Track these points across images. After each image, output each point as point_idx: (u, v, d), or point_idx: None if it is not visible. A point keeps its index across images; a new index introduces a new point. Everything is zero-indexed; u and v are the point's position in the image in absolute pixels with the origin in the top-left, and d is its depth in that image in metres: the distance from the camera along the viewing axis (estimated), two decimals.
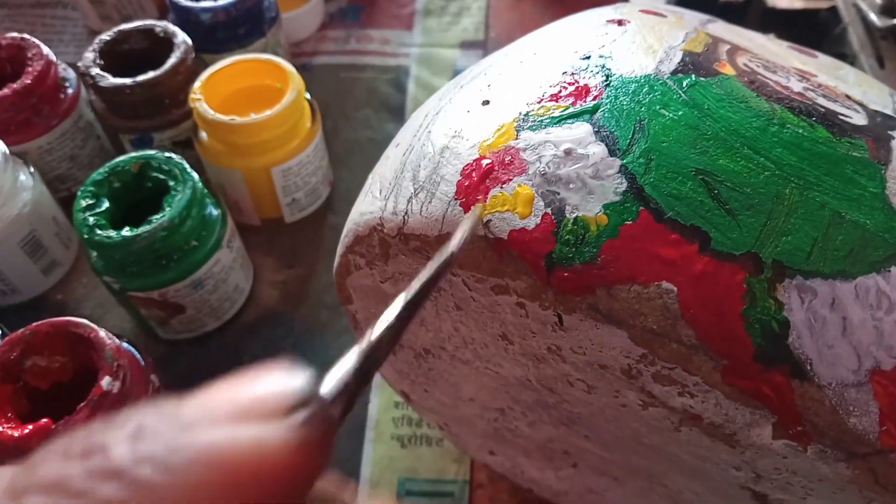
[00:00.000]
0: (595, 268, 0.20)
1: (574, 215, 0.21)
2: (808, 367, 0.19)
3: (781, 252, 0.20)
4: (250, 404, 0.12)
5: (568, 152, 0.22)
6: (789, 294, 0.19)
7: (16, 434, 0.30)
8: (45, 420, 0.30)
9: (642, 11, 0.28)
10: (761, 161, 0.21)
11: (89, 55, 0.46)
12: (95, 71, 0.45)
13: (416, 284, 0.17)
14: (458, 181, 0.23)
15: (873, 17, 0.48)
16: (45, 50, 0.47)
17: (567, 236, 0.21)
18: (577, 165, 0.21)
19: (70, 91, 0.48)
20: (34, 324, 0.33)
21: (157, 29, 0.48)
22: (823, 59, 0.29)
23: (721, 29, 0.28)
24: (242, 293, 0.46)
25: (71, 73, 0.49)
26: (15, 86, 0.44)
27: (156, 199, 0.39)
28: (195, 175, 0.40)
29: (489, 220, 0.22)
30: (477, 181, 0.22)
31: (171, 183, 0.39)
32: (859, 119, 0.23)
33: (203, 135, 0.45)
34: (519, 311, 0.23)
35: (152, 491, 0.11)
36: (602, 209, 0.21)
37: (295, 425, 0.12)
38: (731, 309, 0.19)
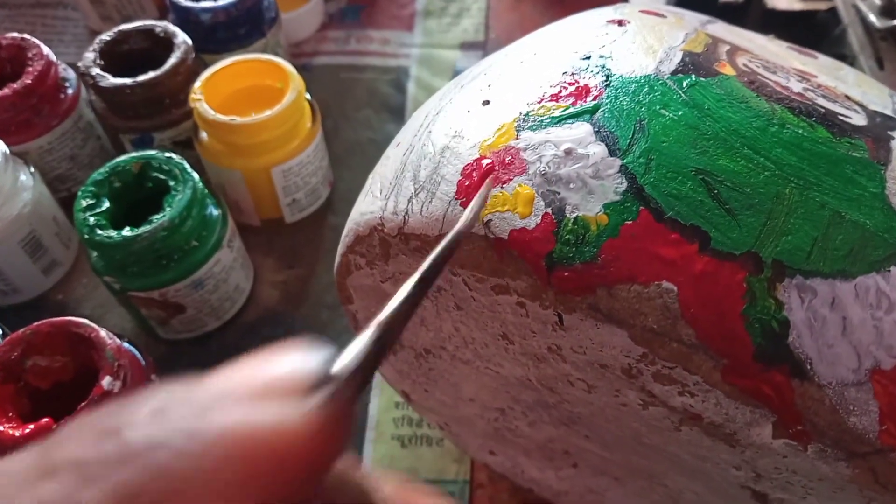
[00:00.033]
0: (595, 267, 0.20)
1: (574, 215, 0.21)
2: (808, 367, 0.19)
3: (781, 252, 0.20)
4: (269, 384, 0.12)
5: (568, 152, 0.22)
6: (789, 293, 0.19)
7: (17, 434, 0.30)
8: (46, 420, 0.30)
9: (642, 12, 0.28)
10: (761, 161, 0.21)
11: (89, 55, 0.46)
12: (96, 71, 0.45)
13: (429, 259, 0.17)
14: (459, 181, 0.23)
15: (873, 18, 0.48)
16: (46, 50, 0.47)
17: (567, 236, 0.21)
18: (577, 165, 0.21)
19: (70, 91, 0.48)
20: (35, 324, 0.33)
21: (158, 29, 0.48)
22: (823, 59, 0.29)
23: (721, 29, 0.28)
24: (243, 293, 0.46)
25: (71, 74, 0.49)
26: (15, 86, 0.44)
27: (156, 199, 0.39)
28: (195, 175, 0.40)
29: (489, 220, 0.22)
30: (477, 181, 0.22)
31: (172, 183, 0.39)
32: (859, 119, 0.23)
33: (203, 135, 0.45)
34: (519, 310, 0.23)
35: (168, 476, 0.11)
36: (602, 209, 0.21)
37: (315, 405, 0.12)
38: (731, 308, 0.19)
